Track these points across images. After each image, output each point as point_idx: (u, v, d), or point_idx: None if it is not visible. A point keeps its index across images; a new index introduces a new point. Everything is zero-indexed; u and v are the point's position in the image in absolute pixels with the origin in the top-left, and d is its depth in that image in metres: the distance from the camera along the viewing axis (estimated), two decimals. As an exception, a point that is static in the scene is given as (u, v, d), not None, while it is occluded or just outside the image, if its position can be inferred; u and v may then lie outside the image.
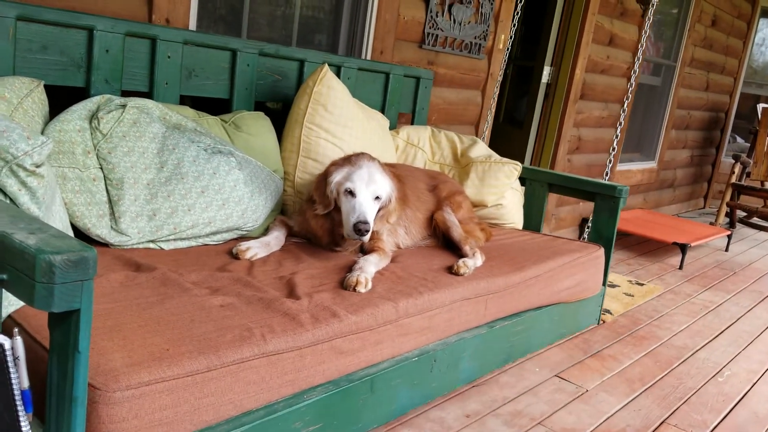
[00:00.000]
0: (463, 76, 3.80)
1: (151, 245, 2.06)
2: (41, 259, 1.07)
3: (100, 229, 1.96)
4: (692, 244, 4.57)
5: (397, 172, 2.52)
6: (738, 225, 6.52)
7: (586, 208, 5.23)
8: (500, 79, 3.93)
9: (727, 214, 6.42)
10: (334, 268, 2.12)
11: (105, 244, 1.99)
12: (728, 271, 4.76)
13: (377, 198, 2.18)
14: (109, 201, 2.00)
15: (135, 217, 2.00)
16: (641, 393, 2.59)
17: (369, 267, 2.07)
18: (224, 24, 2.81)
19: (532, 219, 3.20)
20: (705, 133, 7.22)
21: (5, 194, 1.53)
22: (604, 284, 2.94)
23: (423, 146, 3.16)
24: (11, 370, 1.13)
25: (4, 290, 1.25)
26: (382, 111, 3.23)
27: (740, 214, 6.68)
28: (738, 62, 7.31)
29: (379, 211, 2.22)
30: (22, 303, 1.52)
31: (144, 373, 1.33)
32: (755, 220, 6.56)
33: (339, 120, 2.63)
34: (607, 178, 3.20)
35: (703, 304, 3.87)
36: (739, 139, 8.66)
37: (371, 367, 1.85)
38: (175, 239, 2.09)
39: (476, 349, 2.24)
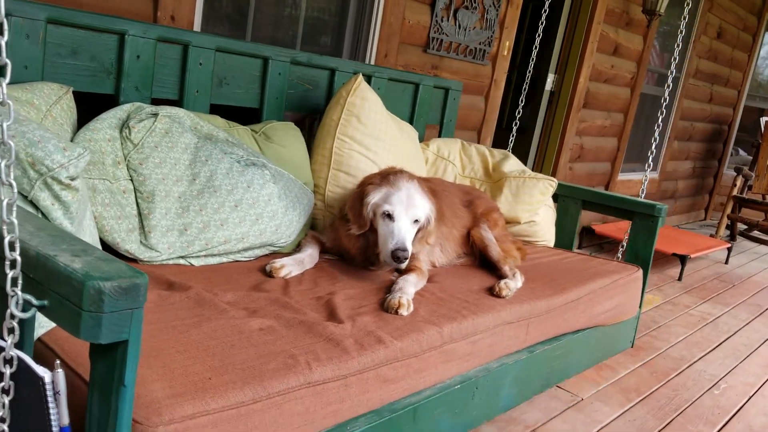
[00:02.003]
0: (467, 81, 3.74)
1: (182, 261, 1.96)
2: (90, 285, 0.97)
3: (130, 244, 1.87)
4: (692, 256, 4.53)
5: (432, 187, 2.42)
6: (738, 238, 6.51)
7: (586, 216, 5.17)
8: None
9: (727, 227, 6.41)
10: (371, 288, 2.02)
11: (133, 260, 1.89)
12: (727, 283, 4.73)
13: (416, 221, 2.08)
14: (139, 214, 1.91)
15: (166, 232, 1.91)
16: (636, 403, 2.55)
17: (409, 288, 1.97)
18: (229, 23, 2.75)
19: (565, 237, 3.09)
20: (707, 144, 7.20)
21: (37, 208, 1.44)
22: (639, 307, 2.84)
23: (453, 159, 3.07)
24: (51, 405, 1.03)
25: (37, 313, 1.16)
26: (411, 122, 3.14)
27: (741, 227, 6.69)
28: (742, 75, 7.29)
29: (417, 232, 2.12)
30: (52, 324, 1.42)
31: (187, 406, 1.23)
32: (756, 233, 6.55)
33: (372, 132, 2.54)
34: (642, 195, 3.11)
35: (701, 316, 3.84)
36: (741, 152, 8.63)
37: (414, 396, 1.75)
38: (206, 255, 1.99)
39: (517, 375, 2.13)
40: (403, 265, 2.01)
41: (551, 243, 3.05)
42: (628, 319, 2.76)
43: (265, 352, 1.48)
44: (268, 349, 1.50)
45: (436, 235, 2.33)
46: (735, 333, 3.61)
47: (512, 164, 3.01)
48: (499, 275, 2.32)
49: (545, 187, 2.87)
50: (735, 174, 6.26)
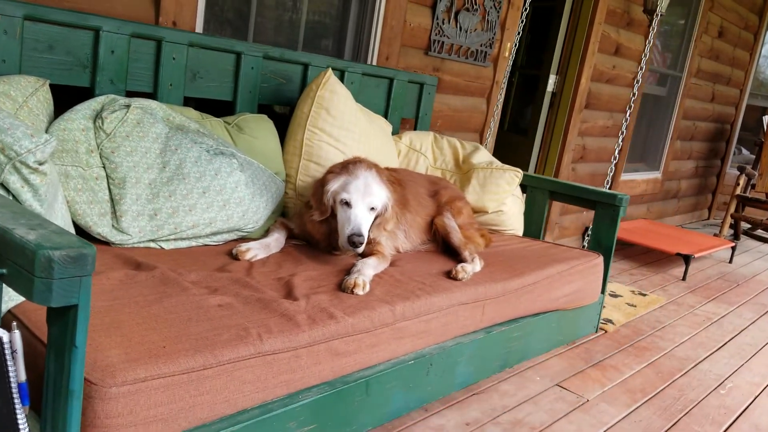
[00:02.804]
0: (469, 83, 3.81)
1: (152, 244, 2.08)
2: (41, 254, 1.08)
3: (102, 227, 1.98)
4: (696, 256, 4.55)
5: (397, 176, 2.53)
6: (742, 237, 6.49)
7: (590, 216, 5.24)
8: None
9: (731, 226, 6.39)
10: (332, 271, 2.13)
11: (106, 243, 2.01)
12: (732, 282, 4.73)
13: (372, 209, 2.20)
14: (111, 200, 2.02)
15: (136, 217, 2.02)
16: (642, 404, 2.58)
17: (367, 270, 2.09)
18: (231, 27, 2.83)
19: (533, 226, 3.20)
20: (710, 144, 7.21)
21: (8, 191, 1.56)
22: (603, 292, 2.95)
23: (425, 152, 3.18)
24: (9, 363, 1.14)
25: (4, 285, 1.27)
26: (386, 116, 3.25)
27: (744, 226, 6.66)
28: (744, 74, 7.31)
29: (375, 219, 2.23)
30: (22, 298, 1.54)
31: (140, 370, 1.34)
32: (759, 232, 6.53)
33: (342, 124, 2.65)
34: (608, 186, 3.21)
35: (705, 315, 3.85)
36: (744, 151, 8.63)
37: (366, 370, 1.87)
38: (175, 239, 2.10)
39: (473, 354, 2.24)
40: (360, 250, 2.13)
41: (520, 232, 3.15)
42: (590, 304, 2.87)
43: (219, 325, 1.59)
44: (223, 322, 1.61)
45: (401, 222, 2.44)
46: (740, 332, 3.60)
47: (481, 156, 3.12)
48: (459, 260, 2.43)
49: (511, 177, 2.98)
50: (738, 173, 6.22)
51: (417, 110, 3.47)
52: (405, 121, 3.49)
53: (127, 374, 1.32)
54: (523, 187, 3.22)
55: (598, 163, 5.28)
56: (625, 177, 5.65)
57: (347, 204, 2.15)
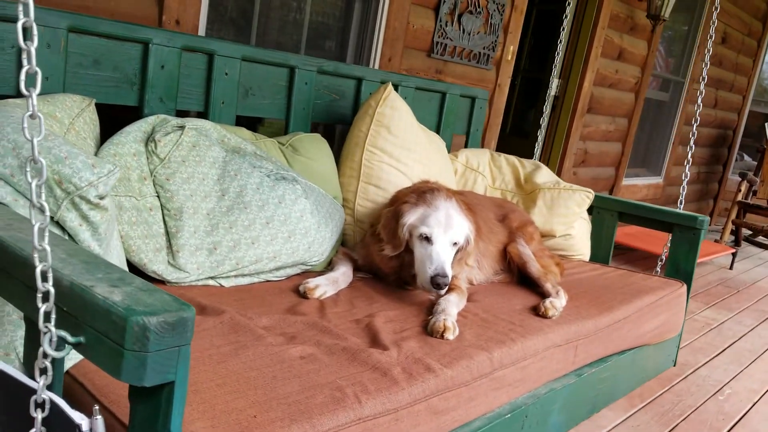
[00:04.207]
0: (471, 86, 3.64)
1: (211, 282, 1.85)
2: (133, 321, 0.86)
3: (157, 264, 1.75)
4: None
5: (466, 200, 2.30)
6: (743, 243, 6.43)
7: None
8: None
9: (732, 232, 6.33)
10: (411, 310, 1.90)
11: (161, 281, 1.78)
12: (732, 289, 4.68)
13: (455, 243, 1.96)
14: (167, 233, 1.79)
15: (194, 251, 1.80)
16: (640, 409, 2.50)
17: (452, 309, 1.85)
18: (234, 28, 2.69)
19: (601, 251, 2.97)
20: (712, 150, 7.12)
21: (63, 229, 1.33)
22: (683, 323, 2.71)
23: (483, 171, 2.95)
24: (89, 456, 0.91)
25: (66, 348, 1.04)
26: (437, 132, 3.04)
27: (745, 232, 6.63)
28: (747, 80, 7.23)
29: (456, 253, 1.99)
30: (80, 356, 1.31)
31: (233, 450, 1.11)
32: (760, 238, 6.51)
33: (403, 143, 2.43)
34: (681, 207, 2.98)
35: (705, 321, 3.80)
36: (746, 158, 8.56)
37: (464, 427, 1.63)
38: (236, 275, 1.88)
39: (565, 400, 2.01)
40: (443, 292, 1.89)
41: (587, 257, 2.92)
42: (671, 338, 2.63)
43: (309, 384, 1.36)
44: (313, 380, 1.38)
45: (473, 253, 2.21)
46: (739, 338, 3.57)
47: (545, 175, 2.89)
48: (542, 293, 2.20)
49: (581, 198, 2.75)
50: (740, 179, 6.22)
51: (468, 126, 3.26)
52: (455, 137, 3.28)
53: (220, 456, 1.09)
54: (589, 208, 2.98)
55: (599, 167, 5.20)
56: (626, 182, 5.57)
57: (427, 239, 1.91)
